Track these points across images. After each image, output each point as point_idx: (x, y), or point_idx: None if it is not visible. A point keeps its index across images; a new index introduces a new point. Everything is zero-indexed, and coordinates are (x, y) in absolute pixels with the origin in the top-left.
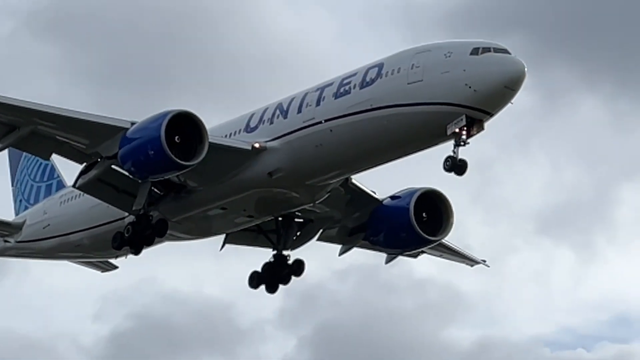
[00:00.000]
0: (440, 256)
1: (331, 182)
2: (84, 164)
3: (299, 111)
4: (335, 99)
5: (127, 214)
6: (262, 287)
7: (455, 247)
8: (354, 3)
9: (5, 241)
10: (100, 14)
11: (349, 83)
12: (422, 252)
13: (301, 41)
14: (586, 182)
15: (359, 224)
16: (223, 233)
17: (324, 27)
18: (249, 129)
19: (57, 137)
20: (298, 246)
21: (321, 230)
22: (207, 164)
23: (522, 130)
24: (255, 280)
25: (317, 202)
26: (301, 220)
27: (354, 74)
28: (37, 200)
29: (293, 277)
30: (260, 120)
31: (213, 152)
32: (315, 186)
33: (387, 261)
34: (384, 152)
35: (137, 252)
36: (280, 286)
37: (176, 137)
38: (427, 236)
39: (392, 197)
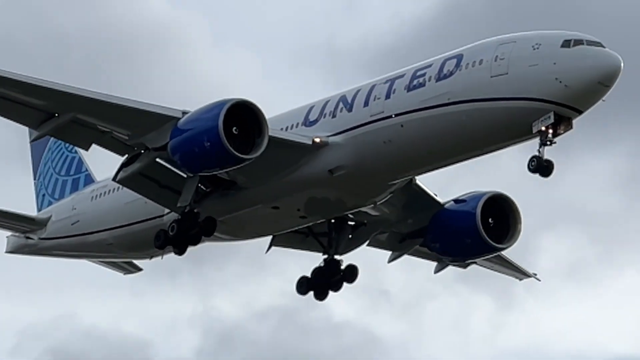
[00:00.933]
0: (491, 268)
1: (396, 182)
2: (126, 155)
3: (366, 104)
4: (408, 92)
5: (167, 211)
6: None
7: (510, 259)
8: (279, 44)
9: (27, 237)
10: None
11: (423, 75)
12: (474, 262)
13: (226, 82)
14: None
15: (415, 229)
16: (270, 234)
17: (248, 67)
18: (308, 123)
19: (99, 126)
20: (348, 251)
21: (373, 235)
22: (262, 158)
23: None
24: (304, 285)
25: (377, 203)
26: (353, 223)
27: (429, 66)
28: (63, 195)
29: (345, 284)
30: (321, 114)
31: (270, 146)
32: (378, 186)
33: (437, 270)
34: (460, 150)
35: (181, 252)
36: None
37: (234, 129)
38: (494, 243)
39: (456, 201)
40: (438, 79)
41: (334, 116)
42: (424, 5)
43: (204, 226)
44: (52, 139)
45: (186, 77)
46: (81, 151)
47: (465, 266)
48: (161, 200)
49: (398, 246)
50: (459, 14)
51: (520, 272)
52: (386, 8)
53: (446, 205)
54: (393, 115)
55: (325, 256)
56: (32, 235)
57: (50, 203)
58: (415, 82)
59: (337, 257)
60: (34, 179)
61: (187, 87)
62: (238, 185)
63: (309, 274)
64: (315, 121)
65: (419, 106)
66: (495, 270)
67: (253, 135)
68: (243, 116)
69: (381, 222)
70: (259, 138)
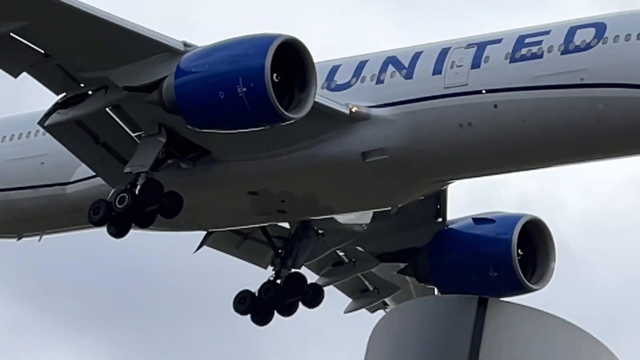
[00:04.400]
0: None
1: (445, 182)
2: (63, 94)
3: (437, 71)
4: (511, 62)
5: (74, 178)
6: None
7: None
8: None
9: None
10: None
11: (537, 43)
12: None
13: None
14: None
15: (404, 249)
16: (225, 228)
17: None
18: (333, 86)
19: (48, 46)
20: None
21: (337, 247)
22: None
23: None
24: (247, 303)
25: (398, 206)
26: (320, 229)
27: (545, 32)
28: None
29: (303, 306)
30: (356, 75)
31: None
32: (418, 184)
33: (350, 309)
34: (576, 149)
35: (122, 233)
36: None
37: (274, 75)
38: (528, 283)
39: (478, 220)
40: (565, 51)
41: (379, 81)
42: None
43: (167, 202)
44: None
45: None
46: None
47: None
48: (95, 162)
49: (362, 267)
50: None
51: None
52: None
53: (459, 224)
54: (484, 91)
55: (276, 268)
56: None
57: None
58: (523, 51)
59: (294, 270)
60: None
61: None
62: (212, 155)
63: (251, 287)
64: (347, 85)
65: (531, 83)
66: None
67: (292, 89)
68: (285, 61)
69: (355, 232)
70: (303, 93)
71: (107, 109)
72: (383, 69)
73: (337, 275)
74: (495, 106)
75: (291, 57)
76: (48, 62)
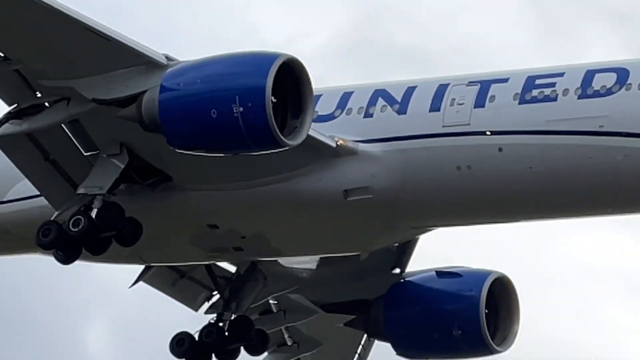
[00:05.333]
0: None
1: (426, 229)
2: (15, 104)
3: (435, 108)
4: (521, 103)
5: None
6: None
7: None
8: None
9: None
10: None
11: (549, 85)
12: None
13: None
14: None
15: (354, 300)
16: (166, 263)
17: None
18: (314, 117)
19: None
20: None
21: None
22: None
23: None
24: (185, 346)
25: (368, 251)
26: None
27: (558, 74)
28: None
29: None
30: (341, 107)
31: None
32: (398, 229)
33: None
34: (587, 202)
35: (70, 259)
36: None
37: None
38: (494, 345)
39: (441, 273)
40: (583, 96)
41: (367, 114)
42: None
43: (126, 229)
44: None
45: None
46: None
47: None
48: (41, 181)
49: (294, 318)
50: None
51: None
52: None
53: (419, 277)
54: (488, 132)
55: (218, 311)
56: None
57: None
58: (534, 92)
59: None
60: None
61: None
62: (173, 182)
63: (189, 329)
64: (330, 116)
65: (542, 127)
66: None
67: (285, 113)
68: (281, 83)
69: (300, 278)
70: (298, 119)
71: (62, 124)
72: (372, 101)
73: (262, 325)
74: (500, 149)
75: (288, 78)
76: (5, 67)
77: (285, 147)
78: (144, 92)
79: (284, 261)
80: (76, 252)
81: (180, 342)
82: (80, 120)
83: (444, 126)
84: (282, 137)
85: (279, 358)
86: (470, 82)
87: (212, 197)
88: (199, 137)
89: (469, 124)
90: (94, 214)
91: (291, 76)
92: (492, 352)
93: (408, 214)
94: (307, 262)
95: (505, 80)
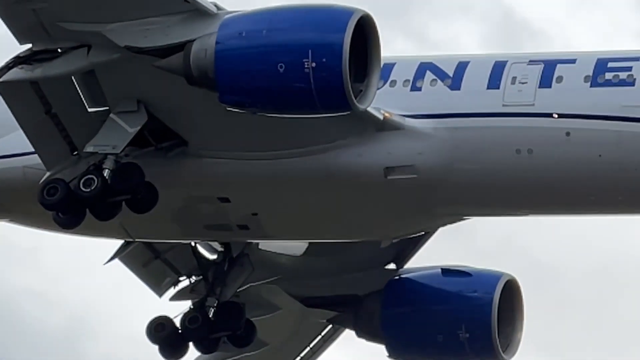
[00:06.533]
0: None
1: (460, 218)
2: (29, 45)
3: (494, 85)
4: (592, 86)
5: None
6: None
7: None
8: None
9: None
10: None
11: (626, 69)
12: None
13: None
14: None
15: (346, 294)
16: (153, 240)
17: None
18: None
19: None
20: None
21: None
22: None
23: None
24: (164, 331)
25: (390, 239)
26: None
27: (634, 58)
28: None
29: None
30: (384, 78)
31: None
32: (429, 216)
33: None
34: None
35: (73, 223)
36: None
37: None
38: (502, 352)
39: (447, 271)
40: None
41: (415, 88)
42: None
43: (143, 194)
44: None
45: None
46: None
47: None
48: (38, 135)
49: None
50: None
51: None
52: None
53: (422, 274)
54: (555, 115)
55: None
56: None
57: None
58: (608, 75)
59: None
60: None
61: None
62: (188, 147)
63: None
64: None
65: (617, 113)
66: None
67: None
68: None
69: (282, 266)
70: (363, 82)
71: (72, 75)
72: (419, 75)
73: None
74: (568, 134)
75: (357, 37)
76: (22, 5)
77: (355, 111)
78: (191, 41)
79: (267, 247)
80: (80, 216)
81: (160, 327)
82: (95, 72)
83: (504, 105)
84: (354, 99)
85: (222, 357)
86: (531, 61)
87: (229, 166)
88: (258, 93)
89: (533, 104)
90: (106, 174)
91: (361, 35)
92: (497, 358)
93: (450, 198)
94: (293, 249)
95: (572, 62)
